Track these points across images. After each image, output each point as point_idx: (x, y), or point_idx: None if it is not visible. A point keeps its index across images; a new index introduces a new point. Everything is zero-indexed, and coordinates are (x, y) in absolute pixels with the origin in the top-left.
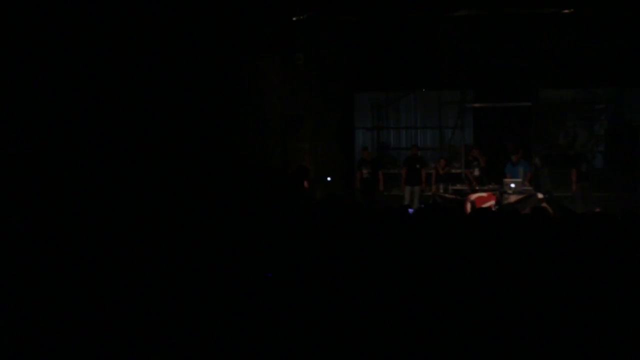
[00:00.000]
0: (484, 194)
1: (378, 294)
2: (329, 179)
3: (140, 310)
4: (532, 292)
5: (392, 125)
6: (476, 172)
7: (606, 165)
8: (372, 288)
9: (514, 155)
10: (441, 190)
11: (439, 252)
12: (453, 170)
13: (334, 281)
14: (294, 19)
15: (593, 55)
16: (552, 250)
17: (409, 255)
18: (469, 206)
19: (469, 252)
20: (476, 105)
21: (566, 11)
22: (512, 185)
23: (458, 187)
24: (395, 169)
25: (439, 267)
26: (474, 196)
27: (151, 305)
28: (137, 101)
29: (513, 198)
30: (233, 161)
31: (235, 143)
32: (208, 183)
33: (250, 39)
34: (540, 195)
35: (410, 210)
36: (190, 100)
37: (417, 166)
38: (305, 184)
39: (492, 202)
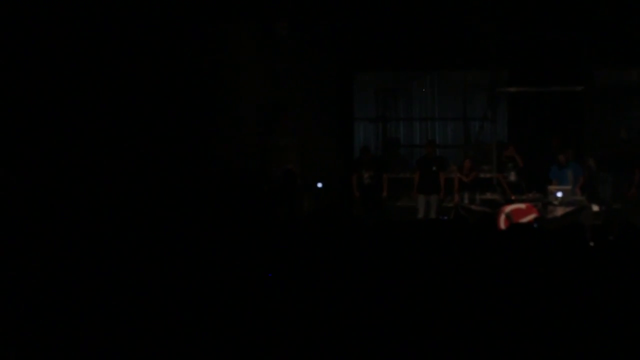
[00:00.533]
0: (522, 206)
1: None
2: (319, 185)
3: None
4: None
5: (402, 116)
6: (512, 177)
7: None
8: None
9: (561, 155)
10: (466, 201)
11: (462, 282)
12: (482, 175)
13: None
14: None
15: None
16: (612, 280)
17: (422, 284)
18: (502, 221)
19: (501, 282)
20: (512, 90)
21: None
22: (559, 195)
23: (488, 196)
24: (406, 173)
25: (462, 303)
26: (508, 208)
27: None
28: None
29: (560, 211)
30: (200, 162)
31: (202, 139)
32: (168, 188)
33: (219, 2)
34: (595, 208)
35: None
36: (143, 84)
37: (434, 169)
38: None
39: (532, 216)
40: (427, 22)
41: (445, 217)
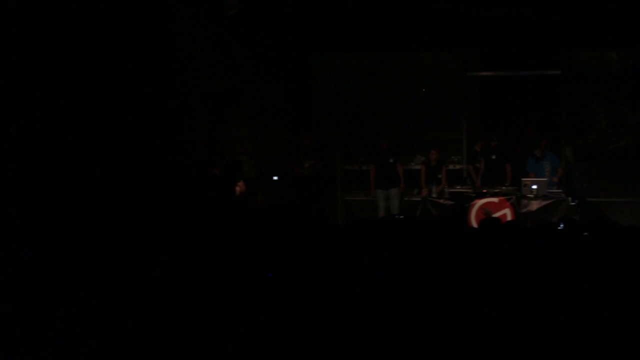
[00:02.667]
0: (495, 199)
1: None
2: (275, 178)
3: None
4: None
5: (363, 102)
6: (483, 168)
7: None
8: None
9: (537, 150)
10: (434, 194)
11: (428, 281)
12: (450, 166)
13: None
14: None
15: None
16: (587, 278)
17: (381, 286)
18: (473, 216)
19: (472, 284)
20: (483, 74)
21: None
22: (534, 187)
23: (458, 189)
24: (357, 164)
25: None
26: (480, 202)
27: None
28: None
29: (535, 205)
30: (140, 153)
31: (141, 128)
32: (107, 182)
33: None
34: (572, 202)
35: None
36: (71, 67)
37: (391, 160)
38: (240, 185)
39: (505, 211)
40: (393, 2)
41: (402, 216)
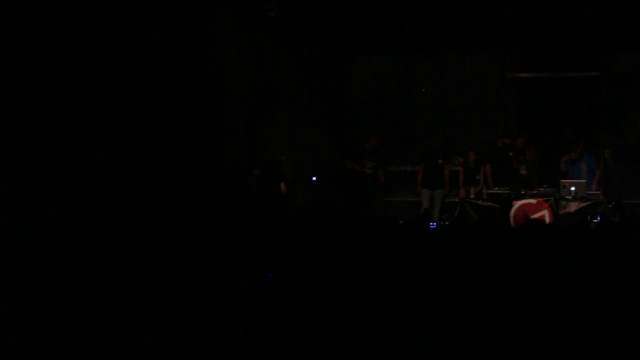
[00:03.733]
0: (533, 201)
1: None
2: (314, 178)
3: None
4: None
5: (402, 104)
6: (522, 171)
7: None
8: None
9: (573, 152)
10: (472, 195)
11: (468, 281)
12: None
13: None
14: None
15: None
16: (622, 277)
17: (425, 286)
18: (512, 218)
19: (513, 280)
20: (522, 75)
21: None
22: (573, 189)
23: (496, 190)
24: (407, 165)
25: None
26: (518, 203)
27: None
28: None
29: (573, 206)
30: (181, 153)
31: (182, 129)
32: (152, 179)
33: None
34: (610, 203)
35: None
36: (121, 72)
37: (440, 162)
38: (282, 186)
39: (544, 212)
40: (430, 4)
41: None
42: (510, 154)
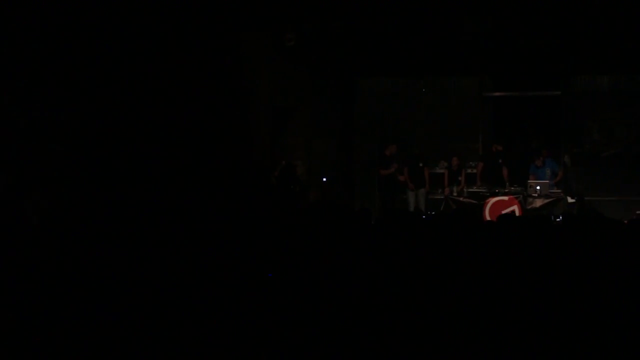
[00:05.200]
0: (505, 198)
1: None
2: (324, 179)
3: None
4: (560, 309)
5: (398, 117)
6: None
7: None
8: (376, 302)
9: (537, 160)
10: (455, 193)
11: (451, 265)
12: (469, 170)
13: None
14: None
15: (636, 35)
16: (583, 262)
17: (417, 268)
18: (488, 212)
19: (485, 265)
20: (496, 94)
21: None
22: (538, 188)
23: (474, 189)
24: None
25: (451, 282)
26: (492, 200)
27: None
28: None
29: (538, 202)
30: (214, 158)
31: (217, 138)
32: (186, 181)
33: (235, 17)
34: (570, 200)
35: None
36: (166, 89)
37: (420, 165)
38: (297, 188)
39: (514, 207)
40: (422, 35)
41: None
42: (500, 160)
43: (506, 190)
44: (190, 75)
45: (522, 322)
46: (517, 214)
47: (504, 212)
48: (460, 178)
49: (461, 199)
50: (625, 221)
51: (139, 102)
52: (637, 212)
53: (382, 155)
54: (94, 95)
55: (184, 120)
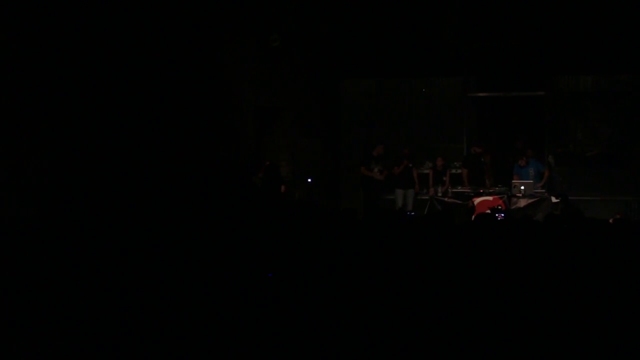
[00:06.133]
0: (489, 198)
1: (370, 307)
2: (309, 180)
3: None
4: (542, 309)
5: (383, 118)
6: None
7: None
8: (361, 302)
9: (521, 160)
10: (439, 194)
11: (435, 263)
12: (453, 170)
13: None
14: None
15: (618, 34)
16: (566, 262)
17: (402, 267)
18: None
19: (467, 266)
20: (480, 94)
21: None
22: (522, 188)
23: (459, 189)
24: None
25: (434, 281)
26: (477, 200)
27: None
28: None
29: (523, 202)
30: (197, 159)
31: (202, 138)
32: (169, 183)
33: (219, 18)
34: (554, 199)
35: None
36: (148, 90)
37: (410, 165)
38: (282, 187)
39: (498, 207)
40: (406, 37)
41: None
42: (482, 159)
43: (490, 190)
44: (174, 76)
45: (506, 322)
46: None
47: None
48: (444, 178)
49: (446, 199)
50: (611, 220)
51: (120, 104)
52: (617, 215)
53: (369, 155)
54: (72, 94)
55: (167, 121)
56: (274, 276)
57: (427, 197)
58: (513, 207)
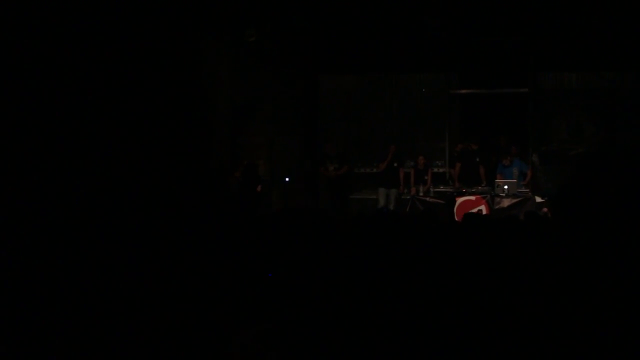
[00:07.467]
0: (472, 198)
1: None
2: (287, 179)
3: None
4: (526, 314)
5: (363, 115)
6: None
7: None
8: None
9: (505, 159)
10: (421, 193)
11: (419, 265)
12: (435, 169)
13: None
14: None
15: (603, 31)
16: (551, 262)
17: (385, 270)
18: (455, 212)
19: (451, 267)
20: (463, 91)
21: None
22: (506, 187)
23: (441, 188)
24: (367, 168)
25: (416, 283)
26: (459, 200)
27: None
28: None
29: (506, 202)
30: (172, 158)
31: (174, 137)
32: (143, 183)
33: (194, 14)
34: (539, 199)
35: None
36: (121, 87)
37: (395, 164)
38: (259, 187)
39: (481, 207)
40: (386, 32)
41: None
42: (477, 159)
43: (473, 190)
44: (147, 73)
45: (491, 322)
46: (484, 213)
47: (470, 211)
48: (426, 177)
49: (428, 199)
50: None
51: (94, 102)
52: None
53: (323, 153)
54: (48, 95)
55: (140, 119)
56: (269, 277)
57: (408, 197)
58: (496, 207)
